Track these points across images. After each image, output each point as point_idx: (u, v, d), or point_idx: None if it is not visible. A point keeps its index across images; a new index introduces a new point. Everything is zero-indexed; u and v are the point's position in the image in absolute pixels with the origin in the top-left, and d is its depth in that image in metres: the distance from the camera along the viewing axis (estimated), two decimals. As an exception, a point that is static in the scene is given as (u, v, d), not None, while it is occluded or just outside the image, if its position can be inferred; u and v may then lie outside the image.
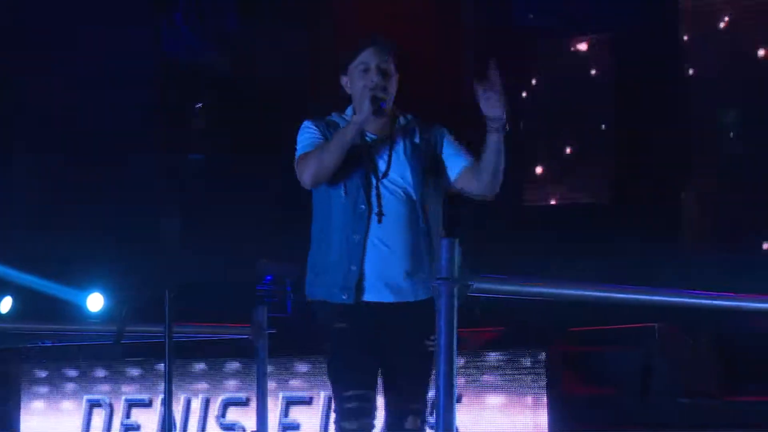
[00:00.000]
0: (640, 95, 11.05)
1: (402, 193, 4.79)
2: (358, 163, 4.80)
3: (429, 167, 4.85)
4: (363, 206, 4.76)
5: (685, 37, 11.30)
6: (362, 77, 4.82)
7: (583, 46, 11.96)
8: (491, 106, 4.59)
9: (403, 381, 4.81)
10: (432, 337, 4.57)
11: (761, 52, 11.00)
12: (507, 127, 4.67)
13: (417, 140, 4.87)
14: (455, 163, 4.87)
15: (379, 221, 4.75)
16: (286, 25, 12.04)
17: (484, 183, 4.79)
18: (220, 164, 11.86)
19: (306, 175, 4.78)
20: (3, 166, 11.47)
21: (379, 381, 4.84)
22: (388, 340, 4.79)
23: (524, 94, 11.87)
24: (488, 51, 11.34)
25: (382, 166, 4.82)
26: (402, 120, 4.91)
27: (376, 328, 4.77)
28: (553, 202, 11.99)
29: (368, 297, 4.76)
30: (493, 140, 4.68)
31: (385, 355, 4.80)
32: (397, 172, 4.81)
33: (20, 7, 11.49)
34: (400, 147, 4.85)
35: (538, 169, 12.04)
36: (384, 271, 4.75)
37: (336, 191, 4.80)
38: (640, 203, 10.87)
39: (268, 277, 10.87)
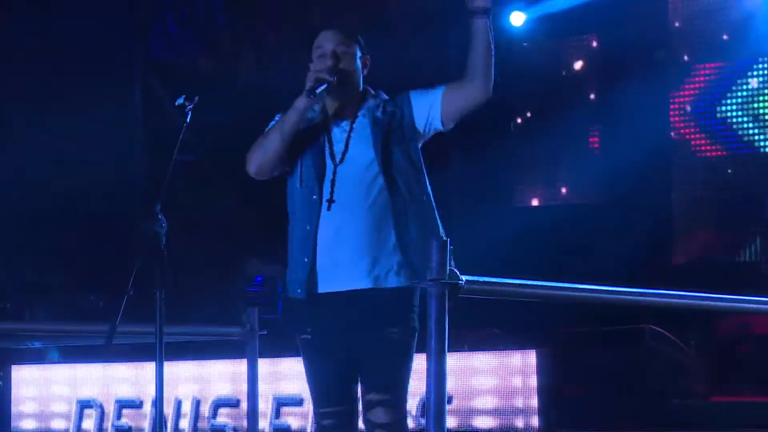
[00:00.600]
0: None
1: (362, 177, 4.52)
2: (317, 151, 4.57)
3: (395, 140, 4.56)
4: (315, 196, 4.53)
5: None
6: (317, 61, 4.59)
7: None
8: None
9: (368, 373, 4.51)
10: (398, 325, 4.44)
11: None
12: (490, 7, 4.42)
13: (379, 115, 4.59)
14: (432, 101, 4.55)
15: (329, 208, 4.50)
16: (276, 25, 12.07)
17: (476, 83, 4.46)
18: (208, 165, 11.88)
19: (250, 163, 4.60)
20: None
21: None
22: (351, 333, 4.50)
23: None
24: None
25: (339, 151, 4.56)
26: (371, 100, 4.64)
27: (337, 324, 4.50)
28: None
29: (321, 288, 4.51)
30: (481, 25, 4.43)
31: (354, 350, 4.51)
32: (356, 152, 4.55)
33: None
34: (360, 126, 4.59)
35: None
36: (336, 259, 4.49)
37: (293, 182, 4.61)
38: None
39: (259, 278, 10.88)
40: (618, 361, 8.65)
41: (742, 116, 11.26)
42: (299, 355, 4.66)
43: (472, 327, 8.71)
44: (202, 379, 9.12)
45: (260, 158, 4.57)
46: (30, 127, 11.46)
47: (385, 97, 4.67)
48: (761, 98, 11.22)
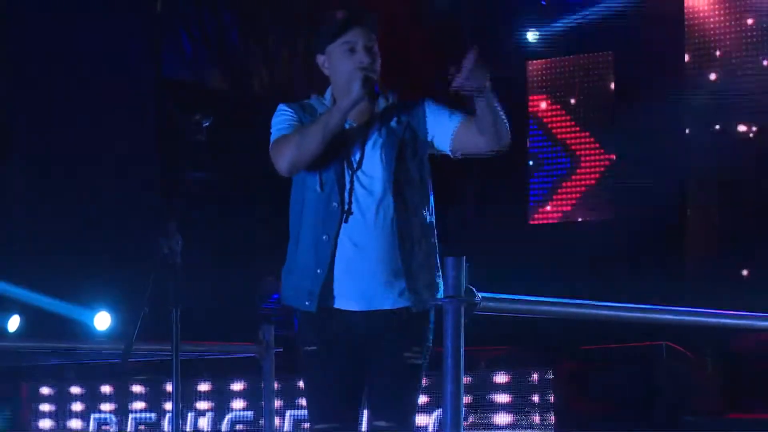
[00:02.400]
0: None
1: (376, 188, 4.33)
2: (335, 155, 4.33)
3: (408, 154, 4.38)
4: (336, 203, 4.31)
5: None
6: (347, 57, 4.36)
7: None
8: (473, 79, 4.10)
9: (379, 398, 4.37)
10: (414, 348, 4.34)
11: None
12: (490, 86, 4.18)
13: (393, 124, 4.39)
14: (446, 128, 4.39)
15: (346, 219, 4.30)
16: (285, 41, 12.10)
17: (486, 138, 4.29)
18: (222, 181, 11.89)
19: (282, 160, 4.33)
20: (4, 186, 11.49)
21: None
22: (363, 353, 4.35)
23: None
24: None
25: (356, 158, 4.37)
26: (382, 103, 4.43)
27: (349, 340, 4.33)
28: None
29: (335, 304, 4.33)
30: (480, 102, 4.20)
31: (364, 371, 4.37)
32: (370, 163, 4.35)
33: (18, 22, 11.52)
34: (375, 134, 4.39)
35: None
36: (355, 276, 4.30)
37: (311, 184, 4.36)
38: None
39: (275, 296, 10.87)
40: (634, 379, 8.62)
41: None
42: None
43: (489, 345, 8.70)
44: (219, 396, 9.13)
45: (296, 156, 4.30)
46: (42, 147, 11.49)
47: (392, 98, 4.48)
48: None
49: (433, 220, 4.46)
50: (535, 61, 12.06)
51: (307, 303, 4.35)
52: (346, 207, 4.31)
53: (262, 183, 11.40)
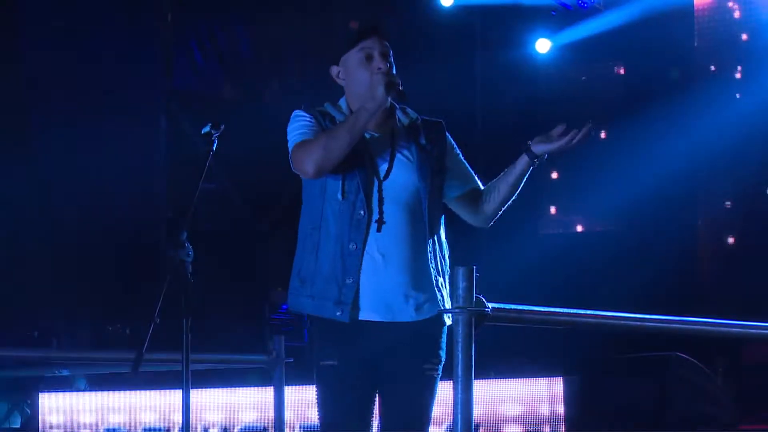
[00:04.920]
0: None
1: (405, 200, 4.31)
2: (357, 163, 4.29)
3: (437, 170, 4.38)
4: (363, 212, 4.27)
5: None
6: (364, 65, 4.36)
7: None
8: (555, 148, 4.25)
9: (395, 411, 4.35)
10: (433, 360, 4.33)
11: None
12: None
13: (423, 141, 4.38)
14: (464, 181, 4.46)
15: (379, 229, 4.27)
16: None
17: (488, 211, 4.43)
18: (232, 192, 11.91)
19: (308, 162, 4.23)
20: (14, 194, 11.51)
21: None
22: (383, 366, 4.32)
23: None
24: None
25: (382, 167, 4.33)
26: (402, 116, 4.44)
27: (367, 353, 4.29)
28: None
29: (363, 315, 4.27)
30: (521, 171, 4.31)
31: (380, 384, 4.34)
32: (400, 175, 4.33)
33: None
34: (403, 147, 4.37)
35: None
36: (382, 286, 4.26)
37: (332, 192, 4.31)
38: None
39: (284, 306, 10.88)
40: (645, 389, 8.60)
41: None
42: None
43: (499, 355, 8.69)
44: (229, 407, 9.13)
45: (323, 157, 4.22)
46: (54, 159, 11.52)
47: (410, 112, 4.48)
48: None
49: (445, 240, 4.49)
50: (546, 71, 12.08)
51: (338, 313, 4.27)
52: (377, 216, 4.28)
53: (272, 194, 11.45)
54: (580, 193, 11.98)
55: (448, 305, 4.29)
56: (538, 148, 4.28)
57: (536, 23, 11.77)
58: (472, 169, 4.55)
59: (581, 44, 11.59)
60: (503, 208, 4.43)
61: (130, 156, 11.41)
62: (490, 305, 3.57)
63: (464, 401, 3.51)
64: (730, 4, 11.28)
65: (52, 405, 9.93)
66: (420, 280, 4.31)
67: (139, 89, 11.85)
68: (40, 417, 9.95)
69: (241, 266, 11.56)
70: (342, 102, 4.47)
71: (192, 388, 5.30)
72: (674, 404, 8.56)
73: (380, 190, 4.30)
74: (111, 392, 9.65)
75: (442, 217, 4.44)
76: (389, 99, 4.27)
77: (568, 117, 4.35)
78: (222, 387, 9.14)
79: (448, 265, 4.44)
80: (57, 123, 11.60)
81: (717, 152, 11.11)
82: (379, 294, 4.27)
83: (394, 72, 4.38)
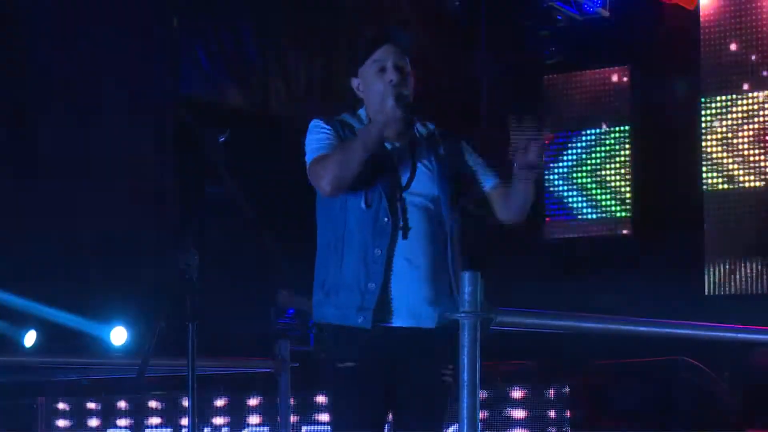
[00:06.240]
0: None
1: (426, 207, 4.33)
2: (379, 172, 4.29)
3: (455, 179, 4.41)
4: (386, 219, 4.27)
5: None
6: (378, 77, 4.36)
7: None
8: (529, 155, 4.22)
9: (411, 417, 4.35)
10: (450, 366, 4.31)
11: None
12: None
13: (441, 151, 4.41)
14: (484, 179, 4.46)
15: (405, 236, 4.27)
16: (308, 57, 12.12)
17: (510, 214, 4.43)
18: (239, 196, 11.91)
19: (325, 180, 4.24)
20: (22, 200, 11.52)
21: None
22: (401, 371, 4.31)
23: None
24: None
25: (404, 176, 4.33)
26: (420, 127, 4.45)
27: (387, 360, 4.28)
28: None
29: (386, 321, 4.26)
30: (522, 188, 4.33)
31: (396, 389, 4.33)
32: (421, 184, 4.34)
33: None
34: (424, 157, 4.38)
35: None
36: (406, 292, 4.26)
37: (355, 202, 4.30)
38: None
39: (290, 311, 10.88)
40: (651, 394, 8.60)
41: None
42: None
43: (505, 359, 8.69)
44: (235, 411, 9.14)
45: (338, 175, 4.21)
46: (60, 164, 11.53)
47: (428, 123, 4.49)
48: None
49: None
50: (552, 76, 12.09)
51: (360, 320, 4.25)
52: (401, 223, 4.29)
53: (278, 198, 11.45)
54: (583, 195, 11.97)
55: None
56: (521, 161, 4.27)
57: (542, 28, 11.77)
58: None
59: (587, 49, 11.59)
60: (525, 209, 4.42)
61: (136, 160, 11.41)
62: (495, 310, 3.58)
63: (470, 406, 3.51)
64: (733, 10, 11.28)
65: (59, 409, 9.94)
66: (441, 286, 4.32)
67: (146, 94, 11.85)
68: (46, 421, 9.97)
69: (247, 271, 11.55)
70: (362, 111, 4.47)
71: (198, 392, 5.30)
72: (680, 408, 8.56)
73: (402, 198, 4.30)
74: (117, 397, 9.67)
75: (461, 225, 4.46)
76: (401, 111, 4.24)
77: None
78: (228, 391, 9.15)
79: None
80: (63, 128, 11.60)
81: (724, 157, 11.11)
82: (403, 300, 4.28)
83: (411, 84, 4.38)
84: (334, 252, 4.34)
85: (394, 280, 4.27)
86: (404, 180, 4.33)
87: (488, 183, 4.47)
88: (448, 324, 4.25)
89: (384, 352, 4.28)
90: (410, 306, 4.28)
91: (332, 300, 4.32)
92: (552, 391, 8.00)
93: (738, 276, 11.06)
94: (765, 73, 11.12)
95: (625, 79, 11.93)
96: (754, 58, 11.16)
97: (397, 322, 4.28)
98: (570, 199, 12.10)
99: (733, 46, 11.21)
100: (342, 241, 4.32)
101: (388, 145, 4.36)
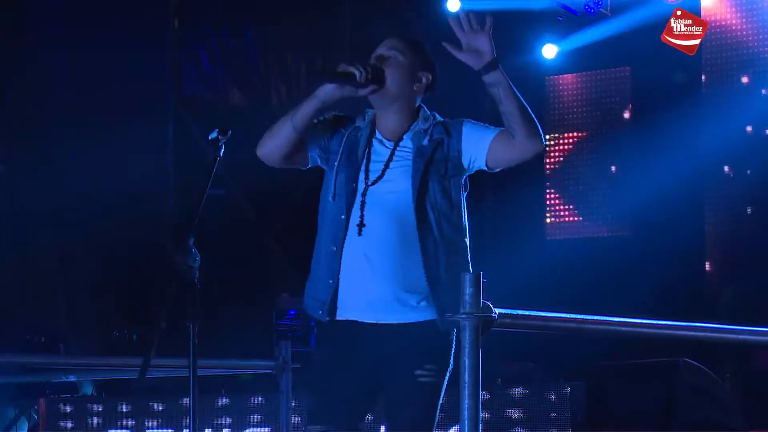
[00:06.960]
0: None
1: (392, 204, 4.34)
2: (355, 167, 4.38)
3: (436, 172, 4.35)
4: (342, 216, 4.35)
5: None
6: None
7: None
8: (477, 41, 4.25)
9: (392, 415, 4.38)
10: (428, 366, 4.33)
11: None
12: (502, 71, 4.24)
13: (425, 142, 4.38)
14: (482, 142, 4.36)
15: (359, 233, 4.33)
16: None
17: (518, 139, 4.27)
18: (240, 198, 11.90)
19: (258, 146, 4.52)
20: (24, 202, 11.52)
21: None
22: (376, 367, 4.35)
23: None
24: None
25: (378, 171, 4.38)
26: (421, 123, 4.45)
27: (358, 351, 4.34)
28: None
29: (341, 315, 4.37)
30: (492, 80, 4.25)
31: (376, 384, 4.38)
32: (392, 177, 4.37)
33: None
34: (402, 151, 4.40)
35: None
36: (365, 287, 4.31)
37: (326, 195, 4.44)
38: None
39: (292, 312, 10.88)
40: (652, 395, 8.59)
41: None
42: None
43: (506, 361, 8.68)
44: (236, 412, 9.12)
45: (266, 140, 4.47)
46: (61, 165, 11.53)
47: (440, 119, 4.48)
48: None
49: (465, 241, 4.45)
50: (553, 77, 12.08)
51: (320, 312, 4.40)
52: (357, 220, 4.33)
53: (279, 200, 11.44)
54: (585, 197, 11.97)
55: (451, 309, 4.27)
56: (470, 44, 4.30)
57: (543, 28, 11.76)
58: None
59: (588, 50, 11.57)
60: (529, 123, 4.30)
61: (137, 162, 11.41)
62: (496, 311, 3.57)
63: (470, 408, 3.50)
64: (736, 10, 11.27)
65: (59, 411, 9.93)
66: (411, 282, 4.31)
67: (147, 95, 11.85)
68: (47, 423, 9.96)
69: (248, 272, 11.55)
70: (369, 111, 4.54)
71: (199, 393, 5.30)
72: (682, 410, 8.54)
73: (365, 194, 4.35)
74: (118, 398, 9.66)
75: (454, 218, 4.41)
76: (323, 73, 4.39)
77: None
78: (229, 392, 9.14)
79: (466, 267, 4.40)
80: (64, 129, 11.61)
81: (726, 158, 11.10)
82: (362, 295, 4.33)
83: (394, 72, 4.41)
84: (316, 245, 4.49)
85: (352, 276, 4.34)
86: (372, 175, 4.38)
87: (487, 139, 4.38)
88: (428, 321, 4.35)
89: (348, 346, 4.36)
90: (369, 301, 4.32)
91: (308, 291, 4.49)
92: (553, 393, 7.98)
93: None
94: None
95: (625, 79, 11.92)
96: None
97: (353, 316, 4.36)
98: (570, 199, 12.09)
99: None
100: (319, 235, 4.47)
101: (375, 141, 4.43)
